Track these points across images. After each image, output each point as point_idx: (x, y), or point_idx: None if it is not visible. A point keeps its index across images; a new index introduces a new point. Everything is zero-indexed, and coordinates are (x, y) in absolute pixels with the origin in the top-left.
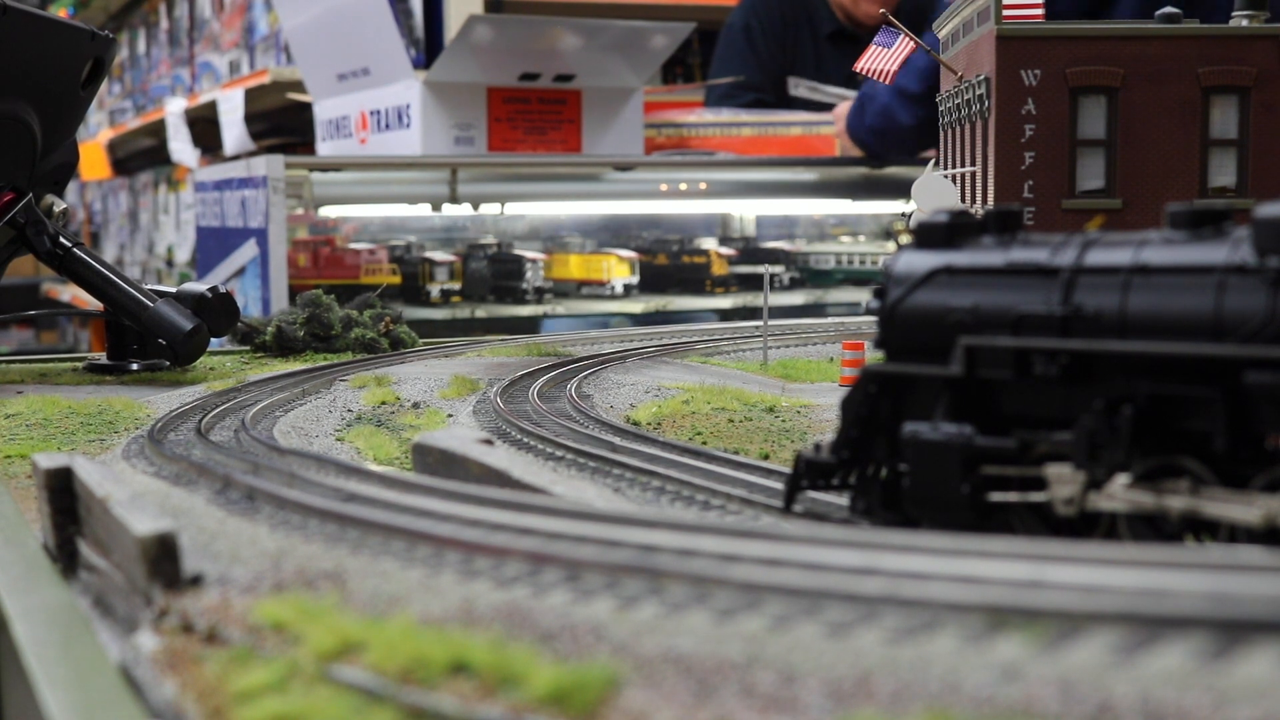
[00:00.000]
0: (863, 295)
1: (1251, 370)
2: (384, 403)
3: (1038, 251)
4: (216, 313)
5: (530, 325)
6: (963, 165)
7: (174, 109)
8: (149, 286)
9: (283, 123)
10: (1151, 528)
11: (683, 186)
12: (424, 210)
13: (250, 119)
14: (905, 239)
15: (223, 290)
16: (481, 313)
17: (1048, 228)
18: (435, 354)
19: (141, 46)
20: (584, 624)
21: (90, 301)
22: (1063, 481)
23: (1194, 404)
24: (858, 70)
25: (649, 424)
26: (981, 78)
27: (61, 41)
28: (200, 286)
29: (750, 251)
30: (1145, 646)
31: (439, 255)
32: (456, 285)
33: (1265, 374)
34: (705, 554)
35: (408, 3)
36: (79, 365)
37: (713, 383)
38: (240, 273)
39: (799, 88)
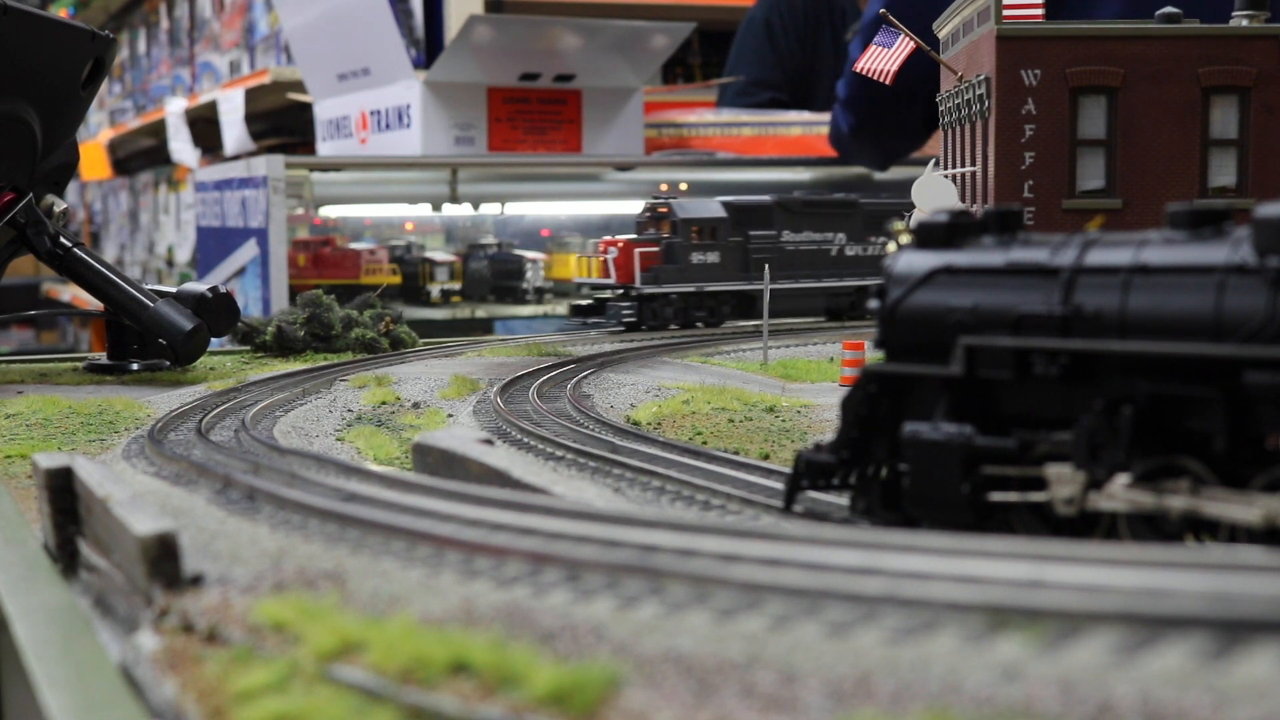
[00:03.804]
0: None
1: (1251, 370)
2: (384, 403)
3: (1038, 251)
4: (217, 313)
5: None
6: (963, 165)
7: (174, 109)
8: (149, 286)
9: (283, 123)
10: (1151, 528)
11: (683, 186)
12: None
13: (250, 119)
14: (905, 239)
15: (223, 290)
16: (482, 313)
17: (1048, 228)
18: (435, 354)
19: (142, 46)
20: (584, 624)
21: (91, 301)
22: (1063, 481)
23: (1194, 404)
24: (857, 70)
25: (649, 424)
26: (981, 78)
27: (62, 42)
28: (200, 286)
29: None
30: (1145, 646)
31: (439, 255)
32: (456, 285)
33: (1265, 374)
34: (705, 554)
35: (408, 3)
36: (79, 365)
37: (713, 383)
38: (240, 273)
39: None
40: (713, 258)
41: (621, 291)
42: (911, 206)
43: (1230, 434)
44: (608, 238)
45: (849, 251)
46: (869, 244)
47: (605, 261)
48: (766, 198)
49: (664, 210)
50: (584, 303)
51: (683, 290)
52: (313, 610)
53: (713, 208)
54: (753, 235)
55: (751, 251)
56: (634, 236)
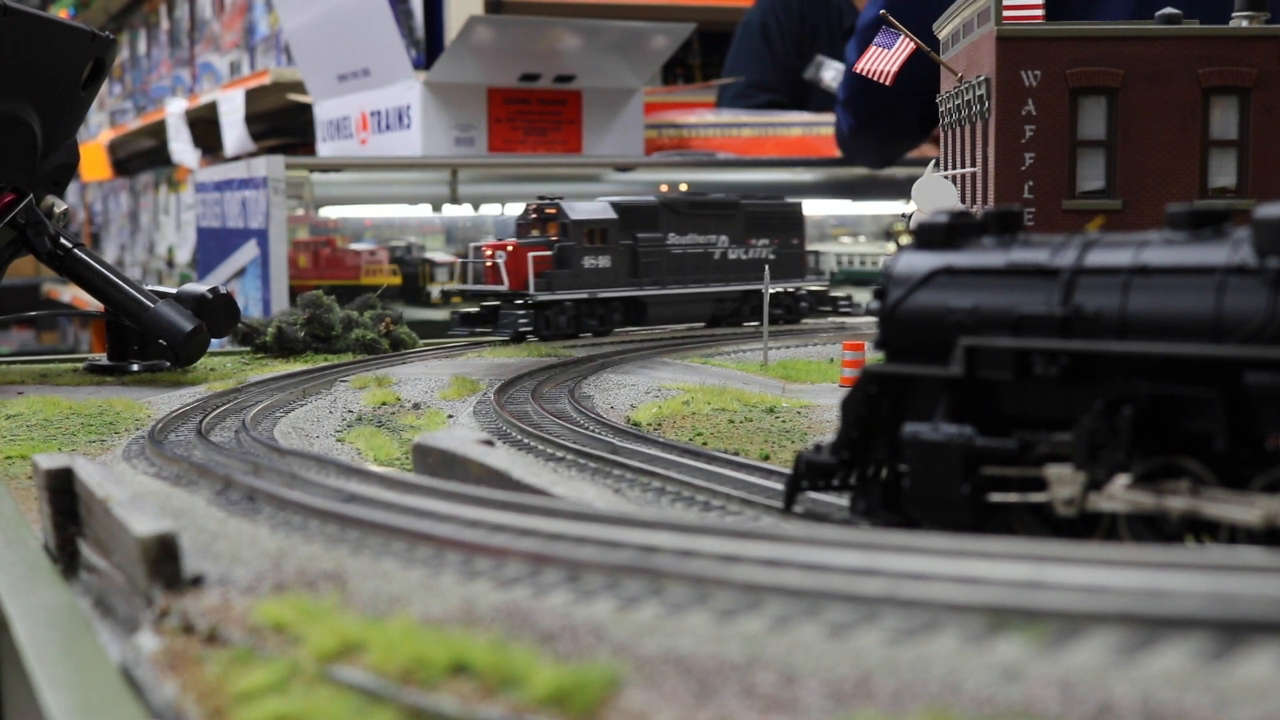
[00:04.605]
0: (863, 296)
1: (1251, 371)
2: (384, 403)
3: (1038, 252)
4: (217, 313)
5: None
6: (963, 166)
7: (174, 110)
8: (149, 287)
9: (283, 123)
10: (1151, 528)
11: (683, 187)
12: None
13: (251, 120)
14: (905, 240)
15: (223, 291)
16: None
17: (1048, 228)
18: (436, 354)
19: (142, 47)
20: (584, 624)
21: (91, 302)
22: (1063, 482)
23: (1194, 404)
24: (858, 71)
25: (649, 425)
26: (981, 78)
27: (62, 42)
28: (201, 287)
29: None
30: (1145, 647)
31: (439, 255)
32: (457, 286)
33: (1265, 374)
34: (705, 555)
35: (408, 3)
36: (80, 366)
37: (713, 383)
38: (241, 273)
39: (825, 70)
40: (604, 262)
41: (511, 299)
42: (790, 209)
43: (1230, 434)
44: (492, 241)
45: (731, 255)
46: (750, 247)
47: (495, 266)
48: (651, 198)
49: (552, 211)
50: (471, 310)
51: (576, 297)
52: (313, 611)
53: (602, 209)
54: (640, 238)
55: (640, 255)
56: (522, 240)
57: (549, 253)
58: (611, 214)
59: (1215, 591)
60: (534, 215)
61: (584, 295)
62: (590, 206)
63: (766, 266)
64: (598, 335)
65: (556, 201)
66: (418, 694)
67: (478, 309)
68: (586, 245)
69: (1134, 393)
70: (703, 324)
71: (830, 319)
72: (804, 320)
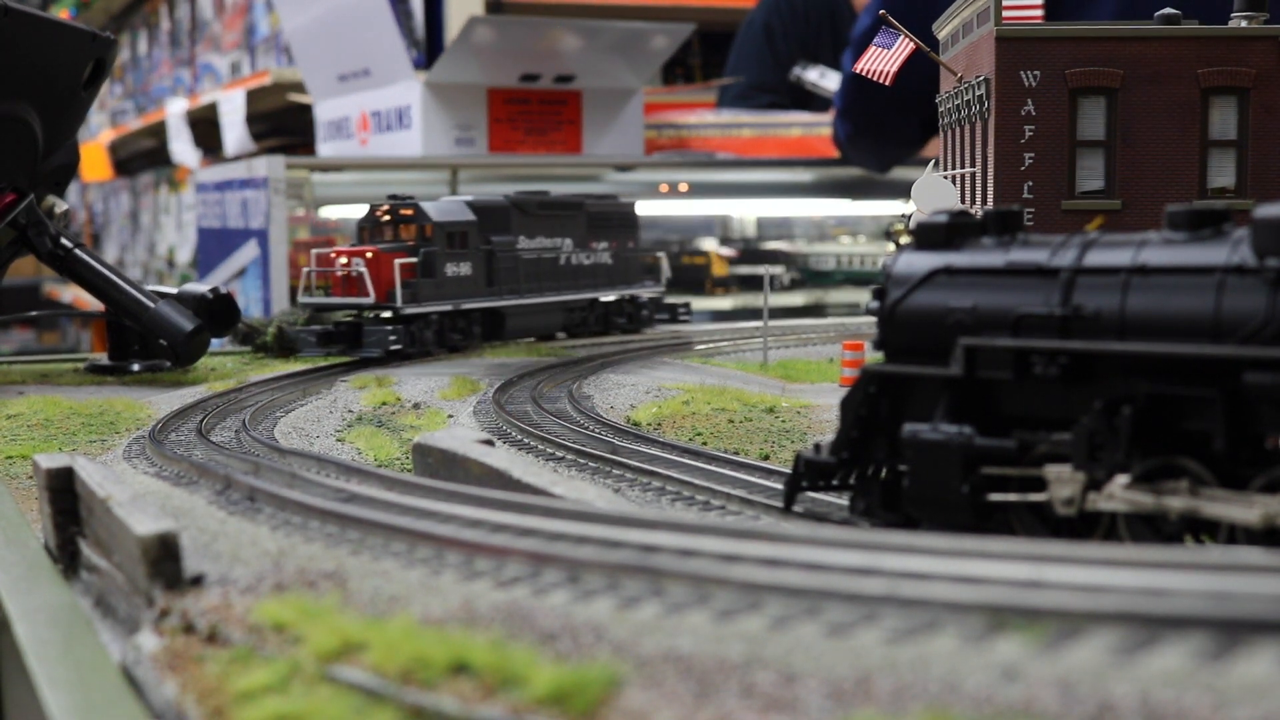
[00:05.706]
0: (863, 296)
1: (1251, 371)
2: (384, 403)
3: (1037, 252)
4: (217, 314)
5: None
6: (962, 166)
7: (175, 110)
8: (150, 287)
9: (284, 124)
10: (1151, 528)
11: (683, 187)
12: None
13: (251, 120)
14: (905, 240)
15: (224, 291)
16: None
17: (1047, 228)
18: (435, 354)
19: (143, 47)
20: (584, 624)
21: (92, 302)
22: (1062, 482)
23: (1193, 404)
24: (857, 71)
25: (649, 424)
26: (981, 79)
27: (63, 43)
28: (201, 287)
29: (750, 252)
30: (1145, 646)
31: None
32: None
33: (1265, 374)
34: (705, 554)
35: (408, 4)
36: (80, 366)
37: (713, 383)
38: (241, 273)
39: (809, 71)
40: (465, 269)
41: (375, 312)
42: (625, 210)
43: (1229, 434)
44: (342, 246)
45: (575, 260)
46: (591, 251)
47: (356, 275)
48: (502, 198)
49: (408, 212)
50: (326, 328)
51: (441, 309)
52: (313, 610)
53: (460, 209)
54: (495, 242)
55: (496, 261)
56: (384, 245)
57: (414, 260)
58: (470, 215)
59: (1215, 591)
60: (385, 217)
61: (448, 307)
62: (449, 207)
63: (766, 269)
64: (454, 350)
65: (413, 201)
66: (418, 694)
67: (333, 326)
68: (448, 251)
69: (1133, 393)
70: (536, 338)
71: (670, 328)
72: (645, 330)
